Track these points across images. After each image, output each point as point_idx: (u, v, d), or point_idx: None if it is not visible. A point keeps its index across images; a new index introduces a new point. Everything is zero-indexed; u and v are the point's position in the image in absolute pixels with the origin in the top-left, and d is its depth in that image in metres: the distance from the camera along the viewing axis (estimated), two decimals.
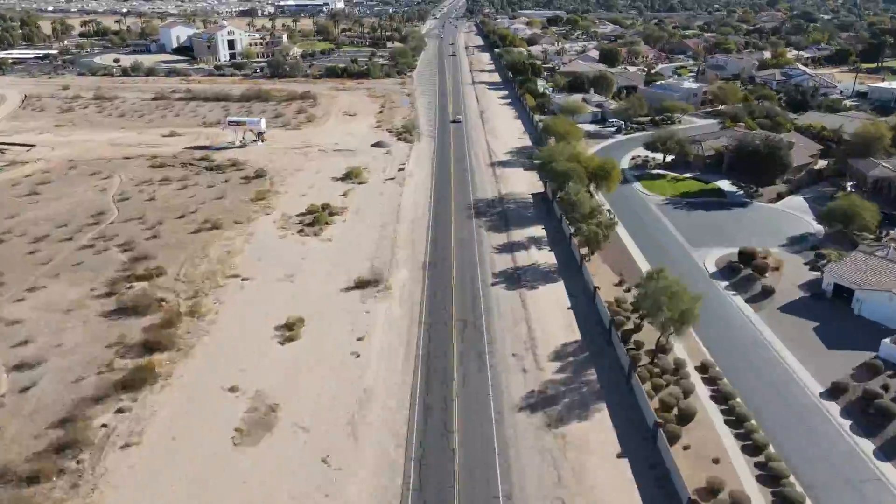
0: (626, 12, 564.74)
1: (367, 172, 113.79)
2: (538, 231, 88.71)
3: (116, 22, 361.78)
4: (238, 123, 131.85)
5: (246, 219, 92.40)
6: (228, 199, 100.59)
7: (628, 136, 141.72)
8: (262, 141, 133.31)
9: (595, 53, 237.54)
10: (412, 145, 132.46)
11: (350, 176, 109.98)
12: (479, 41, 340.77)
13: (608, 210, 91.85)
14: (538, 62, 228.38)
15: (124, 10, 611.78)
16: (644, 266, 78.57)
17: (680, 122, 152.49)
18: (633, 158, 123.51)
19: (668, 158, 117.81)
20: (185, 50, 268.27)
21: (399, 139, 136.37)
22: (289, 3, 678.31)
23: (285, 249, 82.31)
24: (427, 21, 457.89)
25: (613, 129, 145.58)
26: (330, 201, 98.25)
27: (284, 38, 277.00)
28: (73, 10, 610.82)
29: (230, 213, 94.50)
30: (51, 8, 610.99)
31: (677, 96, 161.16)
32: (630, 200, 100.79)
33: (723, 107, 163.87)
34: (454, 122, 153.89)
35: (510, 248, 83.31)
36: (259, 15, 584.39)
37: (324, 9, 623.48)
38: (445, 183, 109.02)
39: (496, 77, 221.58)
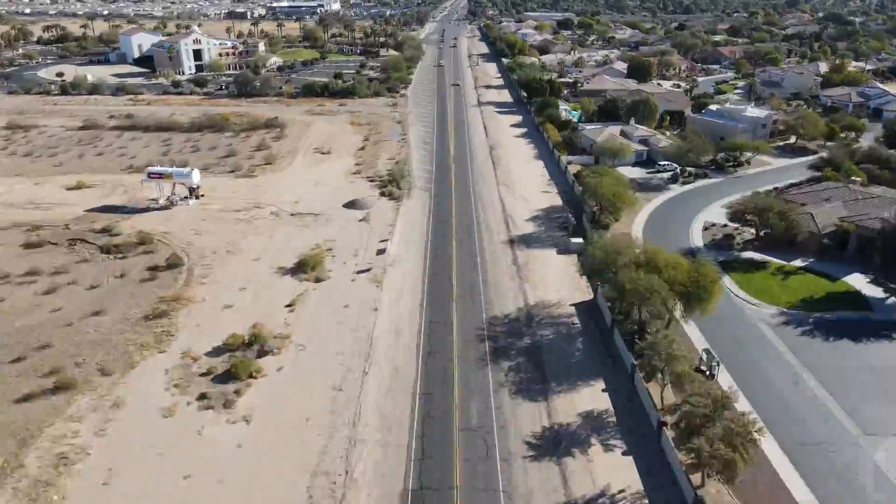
0: (638, 14, 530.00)
1: (332, 258, 78.72)
2: (597, 395, 53.47)
3: (82, 27, 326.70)
4: (161, 176, 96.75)
5: (123, 363, 57.34)
6: (112, 314, 65.54)
7: (687, 185, 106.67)
8: (197, 198, 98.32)
9: (621, 65, 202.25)
10: (400, 204, 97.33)
11: (304, 267, 74.85)
12: (484, 47, 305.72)
13: (707, 352, 56.62)
14: (554, 75, 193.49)
15: (105, 13, 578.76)
16: (805, 498, 43.48)
17: (749, 163, 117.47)
18: (706, 228, 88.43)
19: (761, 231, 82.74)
20: (148, 60, 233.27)
21: (383, 194, 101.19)
22: (282, 4, 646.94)
23: (163, 451, 47.13)
24: (426, 24, 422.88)
25: (666, 175, 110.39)
26: (266, 321, 63.36)
27: (261, 46, 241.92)
28: (51, 12, 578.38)
29: (101, 348, 59.47)
30: (28, 10, 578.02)
31: (741, 127, 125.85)
32: (726, 316, 65.39)
33: (796, 139, 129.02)
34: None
35: (555, 442, 48.05)
36: (248, 17, 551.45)
37: (318, 11, 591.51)
38: (444, 280, 73.82)
39: (506, 95, 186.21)
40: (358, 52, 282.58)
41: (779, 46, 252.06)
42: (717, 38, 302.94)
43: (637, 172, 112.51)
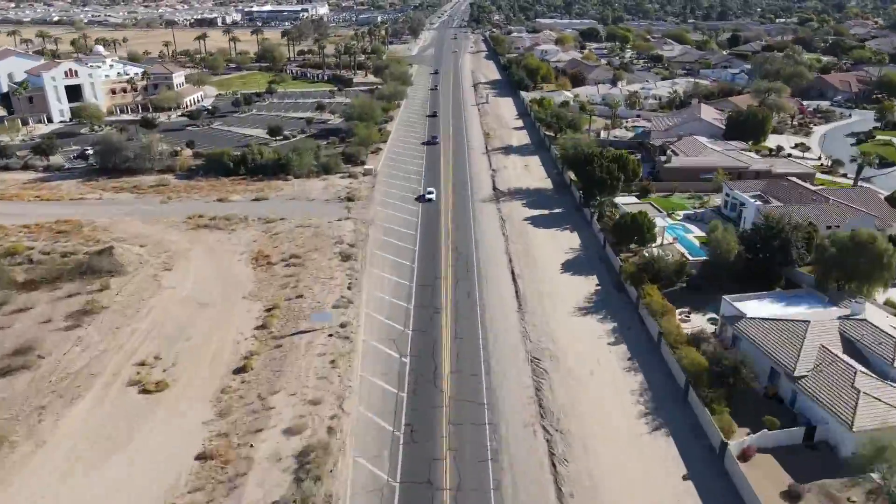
0: (663, 19, 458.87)
1: None
2: None
3: None
4: None
5: None
6: None
7: None
8: None
9: (710, 114, 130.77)
10: None
11: None
12: (493, 69, 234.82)
13: None
14: (604, 123, 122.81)
15: (55, 19, 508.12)
16: None
17: None
18: None
19: None
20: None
21: None
22: (262, 9, 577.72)
23: None
24: (421, 34, 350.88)
25: None
26: None
27: (178, 76, 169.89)
28: None
29: None
30: None
31: None
32: None
33: None
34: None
35: None
36: (219, 24, 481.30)
37: (301, 16, 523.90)
38: None
39: (536, 168, 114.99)
40: (325, 77, 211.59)
41: None
42: (805, 56, 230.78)
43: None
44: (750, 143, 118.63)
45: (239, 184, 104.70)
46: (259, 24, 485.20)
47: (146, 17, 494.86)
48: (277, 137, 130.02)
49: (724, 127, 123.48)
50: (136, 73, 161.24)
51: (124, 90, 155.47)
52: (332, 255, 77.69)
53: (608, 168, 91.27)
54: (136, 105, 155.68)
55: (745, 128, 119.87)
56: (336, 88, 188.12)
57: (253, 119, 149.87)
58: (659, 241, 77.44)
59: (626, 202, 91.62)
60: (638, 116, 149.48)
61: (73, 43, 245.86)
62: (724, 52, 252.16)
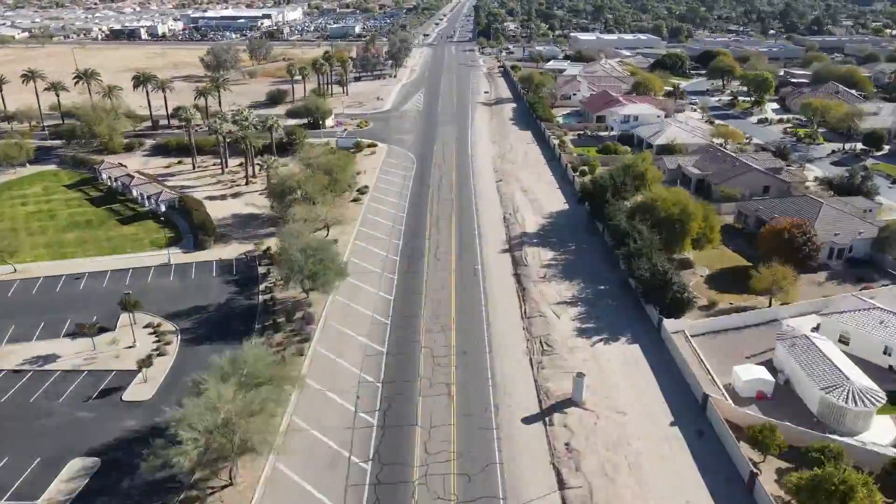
0: (743, 31, 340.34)
1: None
2: None
3: None
4: None
5: None
6: None
7: None
8: None
9: None
10: None
11: None
12: (532, 149, 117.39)
13: None
14: None
15: None
16: None
17: None
18: None
19: None
20: None
21: None
22: (215, 16, 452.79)
23: None
24: (408, 57, 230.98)
25: None
26: None
27: None
28: None
29: None
30: None
31: None
32: None
33: None
34: None
35: None
36: (144, 37, 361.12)
37: (259, 24, 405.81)
38: None
39: None
40: (159, 206, 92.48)
41: None
42: None
43: None
44: None
45: None
46: (200, 37, 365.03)
47: (44, 28, 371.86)
48: None
49: None
50: None
51: None
52: None
53: None
54: None
55: None
56: (165, 262, 69.86)
57: None
58: None
59: None
60: None
61: None
62: None
